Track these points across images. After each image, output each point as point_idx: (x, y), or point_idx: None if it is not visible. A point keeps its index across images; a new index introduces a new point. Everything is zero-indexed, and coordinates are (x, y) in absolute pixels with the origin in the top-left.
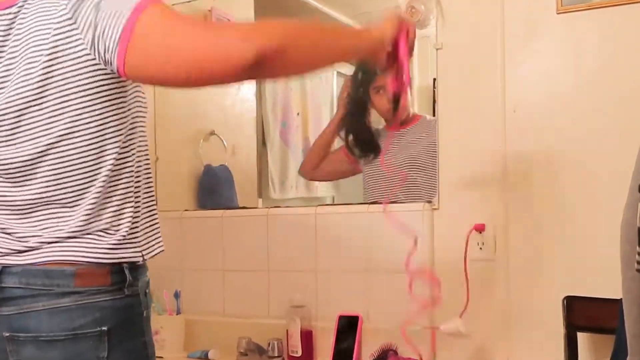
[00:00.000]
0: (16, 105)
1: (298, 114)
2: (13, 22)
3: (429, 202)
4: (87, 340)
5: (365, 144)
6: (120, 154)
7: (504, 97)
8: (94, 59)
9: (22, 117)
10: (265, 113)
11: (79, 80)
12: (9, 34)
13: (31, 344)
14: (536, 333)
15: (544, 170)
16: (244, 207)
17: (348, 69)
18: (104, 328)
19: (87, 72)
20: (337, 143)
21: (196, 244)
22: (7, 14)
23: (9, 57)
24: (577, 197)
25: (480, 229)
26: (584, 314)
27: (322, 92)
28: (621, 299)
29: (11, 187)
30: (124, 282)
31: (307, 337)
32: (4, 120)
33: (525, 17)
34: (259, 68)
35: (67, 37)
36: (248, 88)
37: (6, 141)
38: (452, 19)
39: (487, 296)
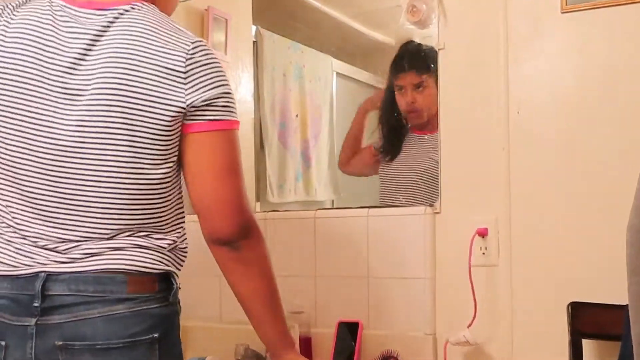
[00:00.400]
0: None
1: (297, 115)
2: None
3: (431, 205)
4: (141, 348)
5: (392, 138)
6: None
7: (508, 97)
8: None
9: None
10: (263, 115)
11: None
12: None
13: (88, 352)
14: (541, 340)
15: (548, 172)
16: None
17: (347, 70)
18: (155, 335)
19: None
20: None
21: (192, 248)
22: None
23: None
24: (583, 200)
25: (483, 233)
26: (589, 320)
27: (322, 94)
28: (627, 304)
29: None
30: (169, 290)
31: (306, 344)
32: None
33: (529, 16)
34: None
35: None
36: (246, 89)
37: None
38: (454, 19)
39: (491, 302)
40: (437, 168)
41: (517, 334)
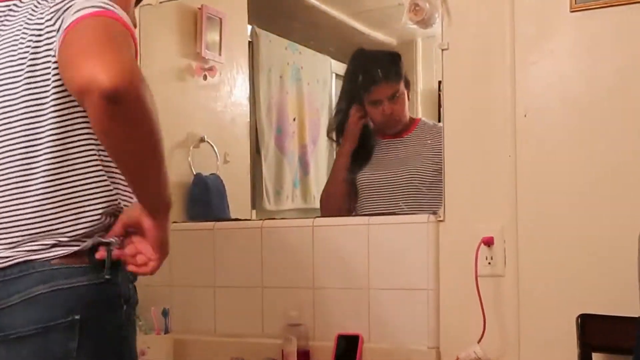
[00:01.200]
0: None
1: (294, 119)
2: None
3: (434, 213)
4: (55, 333)
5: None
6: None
7: (514, 100)
8: None
9: None
10: (259, 118)
11: None
12: None
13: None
14: (549, 353)
15: (557, 179)
16: (236, 219)
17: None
18: (77, 317)
19: None
20: None
21: (185, 258)
22: None
23: None
24: (593, 208)
25: (488, 242)
26: (599, 333)
27: (320, 96)
28: (638, 317)
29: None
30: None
31: (304, 358)
32: None
33: (536, 15)
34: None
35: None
36: (241, 91)
37: None
38: (458, 18)
39: (497, 314)
40: (438, 168)
41: (525, 348)
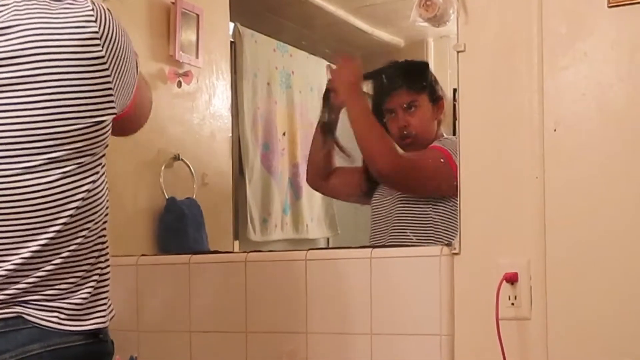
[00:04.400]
0: None
1: (284, 134)
2: None
3: (448, 244)
4: None
5: None
6: None
7: (542, 112)
8: None
9: None
10: (243, 132)
11: None
12: None
13: None
14: None
15: (592, 204)
16: (216, 252)
17: None
18: None
19: None
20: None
21: (156, 298)
22: None
23: None
24: (635, 240)
25: (512, 279)
26: None
27: (314, 107)
28: None
29: None
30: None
31: None
32: None
33: (568, 11)
34: None
35: None
36: (221, 101)
37: None
38: (477, 14)
39: None
40: (445, 196)
41: None
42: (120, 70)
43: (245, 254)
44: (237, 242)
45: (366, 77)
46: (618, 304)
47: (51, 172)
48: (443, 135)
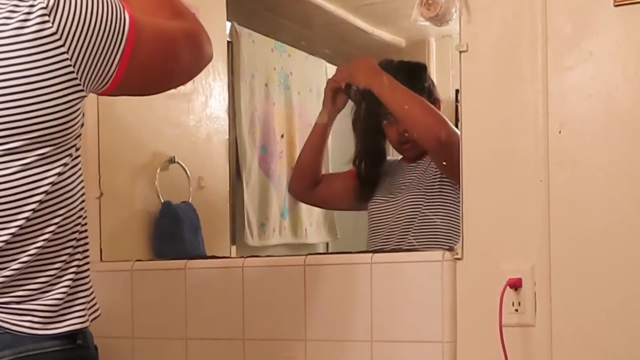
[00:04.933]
0: None
1: (282, 136)
2: None
3: (450, 249)
4: None
5: (372, 175)
6: None
7: (547, 113)
8: None
9: None
10: (240, 135)
11: None
12: None
13: None
14: None
15: (598, 208)
16: (212, 257)
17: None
18: None
19: None
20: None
21: (151, 304)
22: None
23: None
24: None
25: (516, 285)
26: None
27: (313, 108)
28: None
29: None
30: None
31: None
32: None
33: (573, 10)
34: None
35: None
36: (218, 103)
37: None
38: (480, 13)
39: None
40: (456, 195)
41: None
42: (84, 41)
43: (243, 259)
44: (234, 247)
45: None
46: (625, 311)
47: (9, 165)
48: None
